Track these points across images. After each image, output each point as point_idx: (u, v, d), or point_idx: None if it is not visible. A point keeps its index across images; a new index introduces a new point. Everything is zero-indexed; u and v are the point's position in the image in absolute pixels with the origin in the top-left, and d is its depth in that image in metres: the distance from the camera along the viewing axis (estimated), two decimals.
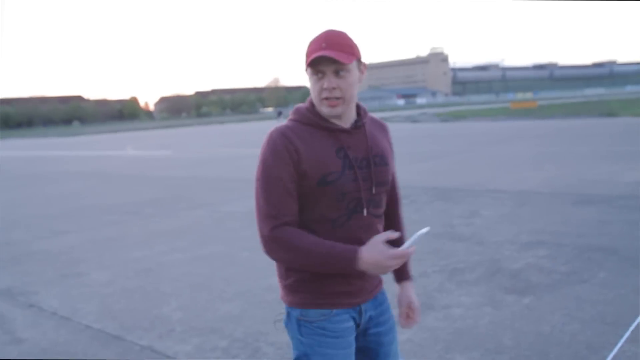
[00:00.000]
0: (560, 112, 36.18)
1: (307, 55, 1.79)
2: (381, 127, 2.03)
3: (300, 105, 1.91)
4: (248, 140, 29.13)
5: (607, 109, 34.40)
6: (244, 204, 9.34)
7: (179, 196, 11.13)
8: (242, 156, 19.62)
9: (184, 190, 12.08)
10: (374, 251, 1.70)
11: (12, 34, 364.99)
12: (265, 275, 5.46)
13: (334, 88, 1.78)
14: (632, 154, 13.15)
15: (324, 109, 1.82)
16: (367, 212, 1.86)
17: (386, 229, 2.00)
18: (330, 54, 1.73)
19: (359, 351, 1.98)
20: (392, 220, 2.10)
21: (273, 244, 1.79)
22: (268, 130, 1.85)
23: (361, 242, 1.76)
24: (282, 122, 1.87)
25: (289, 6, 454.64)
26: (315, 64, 1.78)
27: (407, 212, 2.12)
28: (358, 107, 1.93)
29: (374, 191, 1.87)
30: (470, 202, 8.58)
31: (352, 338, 1.92)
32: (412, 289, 2.12)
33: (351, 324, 1.91)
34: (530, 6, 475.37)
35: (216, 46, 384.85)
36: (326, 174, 1.79)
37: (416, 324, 2.11)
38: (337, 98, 1.80)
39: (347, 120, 1.88)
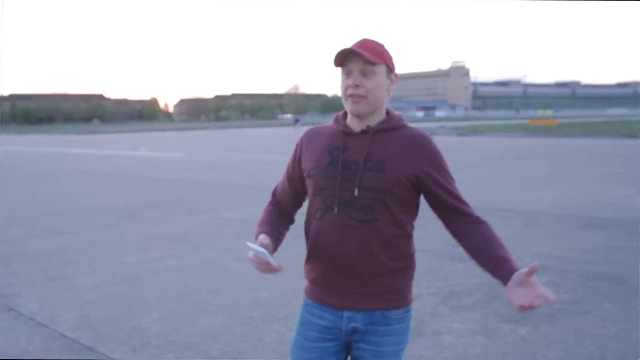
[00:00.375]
0: (580, 131, 35.67)
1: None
2: (411, 139, 1.93)
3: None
4: (263, 146, 29.05)
5: (628, 130, 33.83)
6: (245, 211, 9.16)
7: (182, 200, 10.99)
8: (254, 162, 19.50)
9: (188, 193, 11.93)
10: None
11: (37, 31, 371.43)
12: (253, 288, 5.27)
13: (357, 85, 1.83)
14: None
15: (348, 106, 1.88)
16: (340, 212, 1.87)
17: (465, 245, 1.96)
18: (358, 50, 1.81)
19: None
20: (469, 236, 1.96)
21: None
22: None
23: (333, 240, 1.88)
24: (299, 129, 1.91)
25: (312, 15, 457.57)
26: (344, 62, 1.85)
27: None
28: (388, 115, 1.95)
29: (356, 193, 1.84)
30: None
31: (318, 335, 1.92)
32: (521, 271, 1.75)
33: (320, 322, 1.93)
34: (554, 24, 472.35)
35: (237, 51, 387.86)
36: (312, 168, 1.93)
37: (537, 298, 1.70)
38: (361, 96, 1.84)
39: (368, 123, 1.91)
